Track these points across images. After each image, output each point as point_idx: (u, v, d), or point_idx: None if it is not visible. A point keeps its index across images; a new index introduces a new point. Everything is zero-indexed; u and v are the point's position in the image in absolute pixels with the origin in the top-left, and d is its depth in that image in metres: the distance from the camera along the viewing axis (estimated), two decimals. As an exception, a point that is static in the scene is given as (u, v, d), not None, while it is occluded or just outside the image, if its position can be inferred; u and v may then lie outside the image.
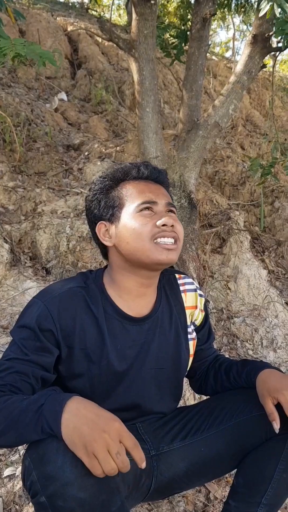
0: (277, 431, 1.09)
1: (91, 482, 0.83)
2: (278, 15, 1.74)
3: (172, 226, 1.12)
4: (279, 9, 1.71)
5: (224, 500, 1.50)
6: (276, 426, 1.09)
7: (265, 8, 1.75)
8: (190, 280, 1.33)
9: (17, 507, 1.44)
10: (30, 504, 1.43)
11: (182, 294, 1.30)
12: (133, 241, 1.10)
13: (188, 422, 1.25)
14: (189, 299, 1.30)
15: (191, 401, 2.02)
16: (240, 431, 1.18)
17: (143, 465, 0.87)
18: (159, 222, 1.10)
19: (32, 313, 1.09)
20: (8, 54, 1.81)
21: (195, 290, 1.32)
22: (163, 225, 1.11)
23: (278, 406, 1.10)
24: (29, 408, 0.90)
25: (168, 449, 1.22)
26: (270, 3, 1.72)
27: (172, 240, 1.12)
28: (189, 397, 2.05)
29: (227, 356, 1.83)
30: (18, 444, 0.93)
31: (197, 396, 2.05)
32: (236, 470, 1.24)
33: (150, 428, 1.25)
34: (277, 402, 1.10)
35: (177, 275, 1.33)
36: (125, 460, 0.83)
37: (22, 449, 1.66)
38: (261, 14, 1.75)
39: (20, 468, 1.55)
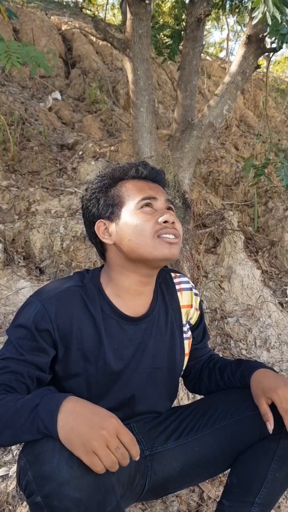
0: (270, 431, 1.10)
1: (87, 482, 0.82)
2: (270, 22, 1.76)
3: (173, 223, 1.13)
4: (271, 17, 1.72)
5: (217, 500, 1.51)
6: (270, 426, 1.09)
7: (257, 16, 1.76)
8: (186, 279, 1.34)
9: (10, 507, 1.44)
10: (24, 504, 1.43)
11: (178, 293, 1.30)
12: (135, 238, 1.10)
13: (182, 421, 1.25)
14: (184, 298, 1.30)
15: (185, 401, 2.02)
16: (234, 431, 1.18)
17: (137, 457, 0.87)
18: (160, 219, 1.11)
19: (29, 312, 1.08)
20: (5, 65, 1.82)
21: (190, 289, 1.32)
22: (165, 221, 1.11)
23: (272, 406, 1.11)
24: (24, 408, 0.90)
25: (162, 449, 1.22)
26: (263, 12, 1.73)
27: (173, 237, 1.12)
28: (183, 396, 2.05)
29: (221, 355, 1.84)
30: (13, 444, 0.93)
31: (191, 395, 2.06)
32: (230, 469, 1.24)
33: (144, 428, 1.25)
34: (271, 401, 1.10)
35: (172, 274, 1.33)
36: (125, 453, 0.84)
37: (15, 449, 1.66)
38: (254, 22, 1.77)
39: (13, 468, 1.56)
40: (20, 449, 0.94)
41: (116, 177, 1.18)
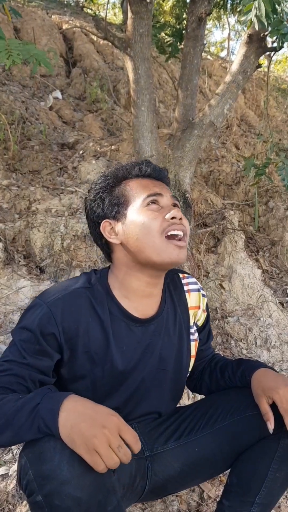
0: (271, 431, 1.09)
1: (88, 482, 0.82)
2: (257, 28, 1.78)
3: (180, 219, 1.11)
4: (259, 22, 1.74)
5: (217, 499, 1.51)
6: (270, 426, 1.09)
7: (245, 21, 1.78)
8: (194, 280, 1.32)
9: (10, 506, 1.43)
10: (24, 503, 1.43)
11: (186, 294, 1.28)
12: (143, 237, 1.08)
13: (183, 422, 1.25)
14: (192, 299, 1.29)
15: (185, 401, 2.02)
16: (234, 431, 1.18)
17: (137, 451, 0.88)
18: (168, 215, 1.09)
19: (34, 314, 1.06)
20: (5, 63, 1.81)
21: (198, 290, 1.30)
22: (172, 218, 1.10)
23: (273, 406, 1.10)
24: (25, 407, 0.89)
25: (163, 449, 1.22)
26: (249, 17, 1.74)
27: (181, 233, 1.10)
28: (183, 396, 2.02)
29: (221, 355, 1.84)
30: (14, 444, 0.92)
31: (191, 395, 2.05)
32: (230, 469, 1.23)
33: (145, 429, 1.25)
34: (272, 401, 1.10)
35: (180, 275, 1.31)
36: (127, 452, 0.84)
37: (15, 448, 1.66)
38: (242, 25, 1.80)
39: (13, 467, 1.56)
40: (21, 448, 0.93)
41: (120, 176, 1.16)
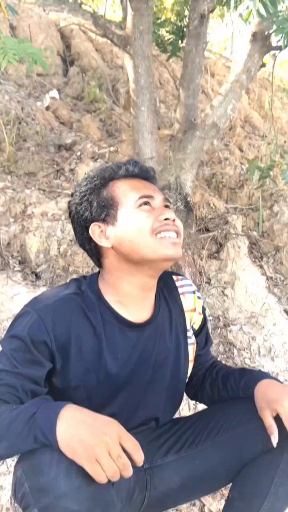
0: (274, 445, 1.08)
1: (86, 495, 0.81)
2: (255, 20, 1.77)
3: (174, 220, 1.11)
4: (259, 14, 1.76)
5: (218, 514, 1.50)
6: (274, 439, 1.08)
7: (243, 13, 1.82)
8: (188, 281, 1.31)
9: (4, 519, 1.42)
10: (18, 516, 1.39)
11: (181, 296, 1.28)
12: (135, 238, 1.07)
13: (183, 434, 1.24)
14: (188, 301, 1.28)
15: (185, 411, 2.01)
16: (236, 444, 1.17)
17: (140, 463, 0.87)
18: (161, 217, 1.09)
19: (23, 323, 1.05)
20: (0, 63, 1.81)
21: (193, 292, 1.30)
22: (166, 219, 1.09)
23: (277, 417, 1.09)
24: (20, 417, 0.88)
25: (162, 462, 1.22)
26: (248, 10, 1.77)
27: (175, 234, 1.10)
28: (184, 407, 2.03)
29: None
30: (9, 456, 0.91)
31: (192, 405, 2.04)
32: (232, 483, 1.22)
33: (144, 440, 1.21)
34: (276, 414, 1.09)
35: (174, 277, 1.31)
36: (126, 463, 0.83)
37: (10, 459, 1.63)
38: (234, 11, 1.82)
39: (7, 480, 1.56)
40: (16, 460, 0.92)
41: (106, 177, 1.15)
